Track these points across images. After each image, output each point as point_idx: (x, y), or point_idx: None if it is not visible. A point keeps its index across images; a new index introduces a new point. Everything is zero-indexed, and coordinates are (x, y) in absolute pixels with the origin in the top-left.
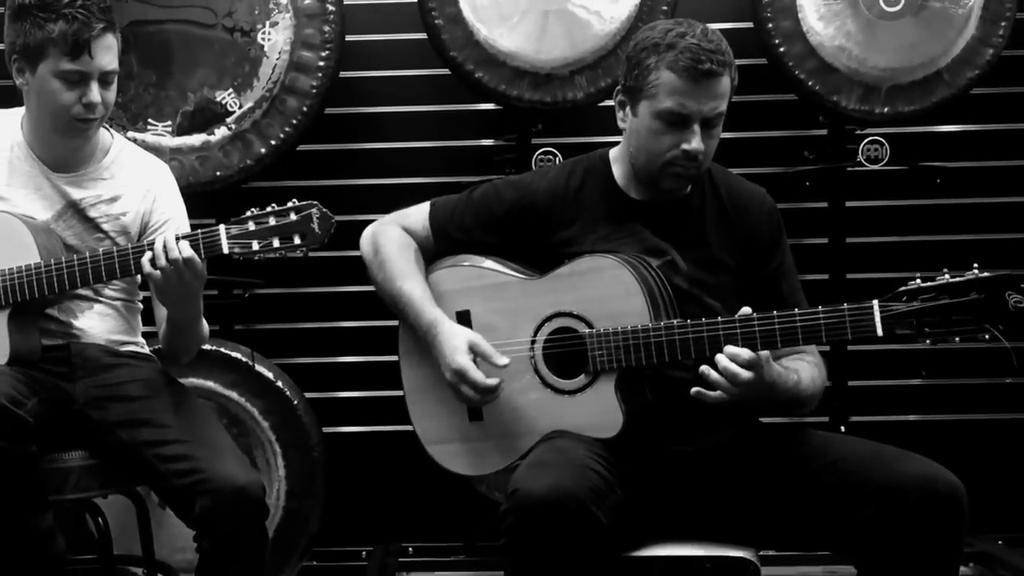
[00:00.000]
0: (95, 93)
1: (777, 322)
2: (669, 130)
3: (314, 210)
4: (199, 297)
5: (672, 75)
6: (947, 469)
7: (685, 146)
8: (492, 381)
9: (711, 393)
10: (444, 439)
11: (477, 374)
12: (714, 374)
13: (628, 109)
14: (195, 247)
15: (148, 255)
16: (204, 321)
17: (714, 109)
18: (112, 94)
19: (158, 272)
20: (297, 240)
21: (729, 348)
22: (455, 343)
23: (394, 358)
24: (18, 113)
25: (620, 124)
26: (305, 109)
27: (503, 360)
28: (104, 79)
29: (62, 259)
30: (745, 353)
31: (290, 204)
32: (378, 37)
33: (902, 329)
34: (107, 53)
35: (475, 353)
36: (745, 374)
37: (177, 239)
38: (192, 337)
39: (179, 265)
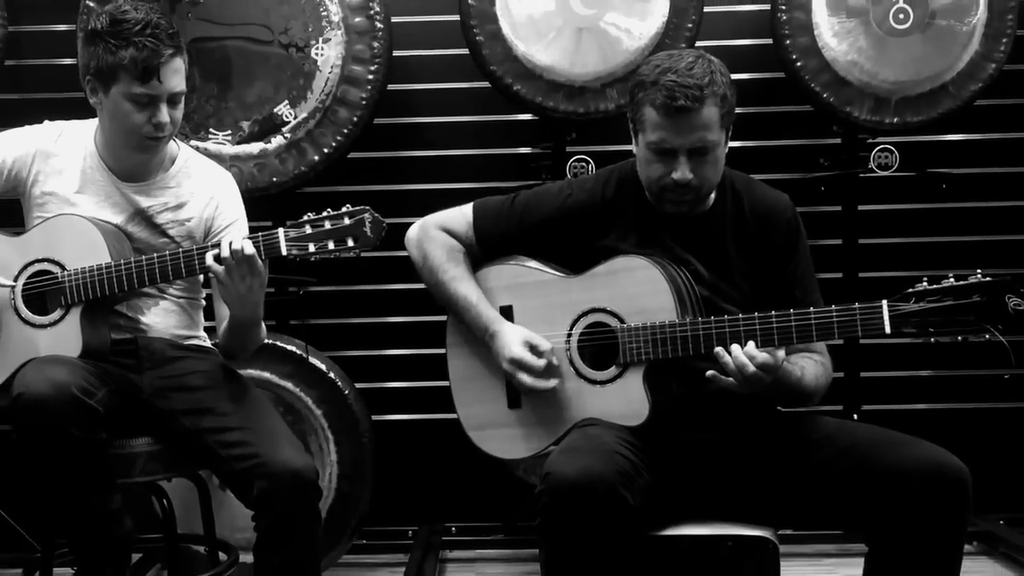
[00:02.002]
0: (164, 114)
1: (793, 319)
2: (659, 159)
3: (367, 215)
4: (260, 299)
5: (653, 111)
6: (953, 454)
7: (674, 175)
8: (543, 362)
9: (724, 378)
10: (485, 425)
11: (532, 359)
12: (726, 357)
13: (633, 137)
14: (256, 248)
15: (213, 252)
16: (263, 324)
17: (698, 141)
18: (180, 112)
19: (222, 268)
20: (350, 243)
21: (750, 347)
22: (512, 338)
23: (438, 351)
24: (91, 125)
25: (633, 149)
26: (355, 119)
27: (555, 359)
28: (172, 100)
29: (131, 259)
30: (760, 356)
31: (344, 209)
32: (423, 53)
33: (909, 328)
34: (175, 76)
35: (529, 346)
36: (751, 369)
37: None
38: (250, 338)
39: (241, 261)
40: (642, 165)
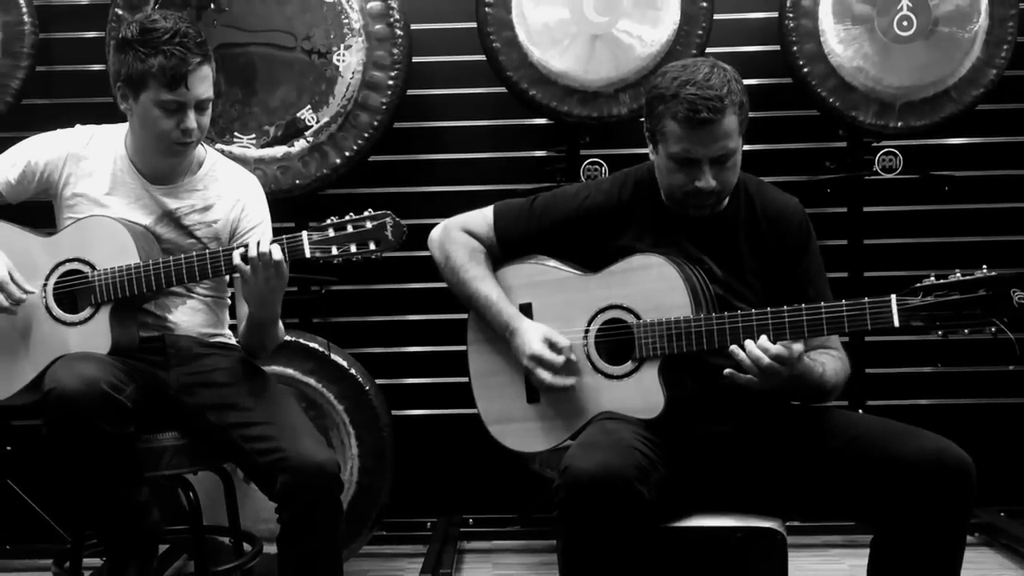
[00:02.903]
0: (191, 120)
1: (804, 313)
2: (682, 169)
3: (388, 219)
4: (279, 299)
5: (675, 124)
6: (957, 444)
7: (698, 183)
8: (562, 359)
9: (741, 375)
10: (504, 419)
11: (552, 356)
12: (741, 353)
13: (651, 147)
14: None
15: (240, 251)
16: (281, 323)
17: (721, 149)
18: (207, 118)
19: (248, 268)
20: (372, 246)
21: (762, 340)
22: (531, 335)
23: (456, 348)
24: (122, 129)
25: (651, 156)
26: (376, 123)
27: (573, 355)
28: (200, 106)
29: (159, 260)
30: (774, 348)
31: (366, 213)
32: (442, 59)
33: (916, 321)
34: (203, 83)
35: (549, 343)
36: (766, 361)
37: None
38: (269, 336)
39: (268, 264)
40: (663, 174)
